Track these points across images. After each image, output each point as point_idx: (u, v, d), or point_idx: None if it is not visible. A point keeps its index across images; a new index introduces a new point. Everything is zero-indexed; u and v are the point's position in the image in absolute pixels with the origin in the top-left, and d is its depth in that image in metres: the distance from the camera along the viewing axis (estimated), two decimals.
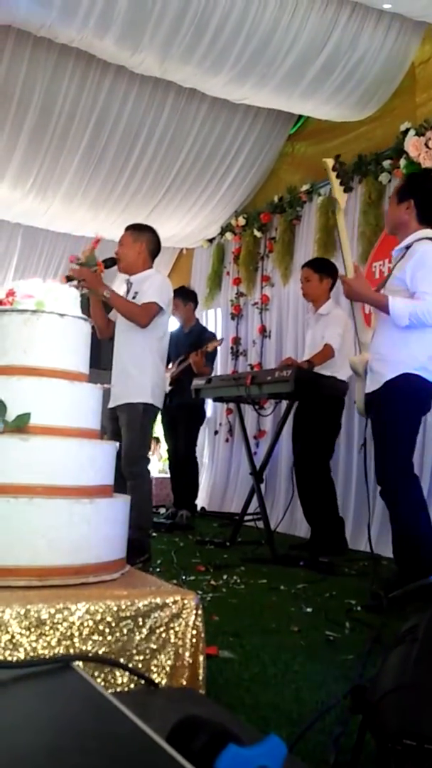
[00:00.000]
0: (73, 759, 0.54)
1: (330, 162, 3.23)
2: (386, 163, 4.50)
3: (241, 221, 6.13)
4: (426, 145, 3.97)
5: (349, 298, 3.01)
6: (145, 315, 3.37)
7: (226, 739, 0.56)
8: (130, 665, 1.52)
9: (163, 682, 1.54)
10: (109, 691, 1.47)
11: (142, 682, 1.38)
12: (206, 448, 6.44)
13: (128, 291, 3.54)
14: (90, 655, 1.39)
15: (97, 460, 1.79)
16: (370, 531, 3.25)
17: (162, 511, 5.59)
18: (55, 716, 0.64)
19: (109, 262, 3.50)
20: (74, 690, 0.71)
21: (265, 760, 0.55)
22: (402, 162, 4.28)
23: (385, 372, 2.85)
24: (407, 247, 2.88)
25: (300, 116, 5.60)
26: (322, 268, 4.32)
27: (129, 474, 3.42)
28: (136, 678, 1.41)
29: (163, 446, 5.64)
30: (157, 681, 1.55)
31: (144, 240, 3.56)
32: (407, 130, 4.24)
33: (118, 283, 3.55)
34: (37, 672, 0.83)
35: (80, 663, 1.40)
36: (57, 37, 4.06)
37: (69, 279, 3.38)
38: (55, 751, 0.57)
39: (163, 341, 3.55)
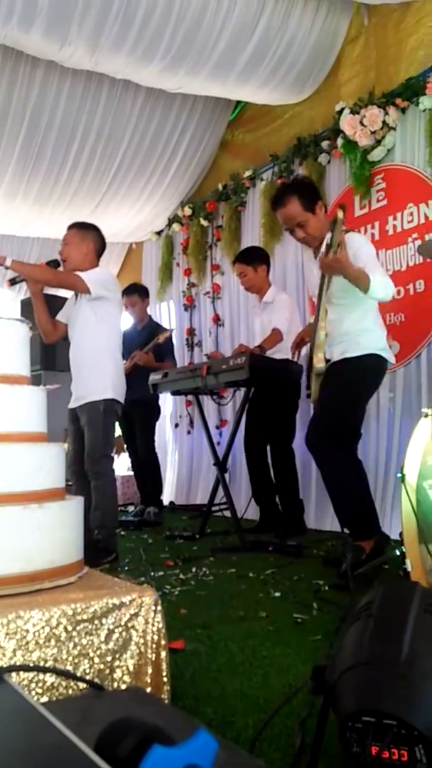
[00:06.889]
0: None
1: (341, 213, 3.04)
2: (324, 144, 4.51)
3: (188, 211, 6.08)
4: (361, 122, 3.98)
5: (329, 271, 2.88)
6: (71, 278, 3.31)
7: (152, 741, 0.54)
8: (92, 669, 1.50)
9: (127, 682, 1.52)
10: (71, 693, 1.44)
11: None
12: (170, 443, 6.40)
13: (77, 294, 3.47)
14: (32, 664, 1.36)
15: (44, 464, 1.75)
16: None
17: (131, 509, 5.54)
18: None
19: (54, 264, 3.42)
20: (2, 703, 0.69)
21: (194, 758, 0.54)
22: (339, 141, 4.29)
23: (352, 351, 2.97)
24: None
25: (238, 102, 5.58)
26: (253, 258, 4.33)
27: (92, 474, 3.37)
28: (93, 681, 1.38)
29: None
30: (120, 682, 1.52)
31: (90, 239, 3.50)
32: (342, 110, 4.24)
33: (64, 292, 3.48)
34: None
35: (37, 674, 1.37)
36: None
37: (12, 282, 3.31)
38: None
39: (119, 334, 3.51)
